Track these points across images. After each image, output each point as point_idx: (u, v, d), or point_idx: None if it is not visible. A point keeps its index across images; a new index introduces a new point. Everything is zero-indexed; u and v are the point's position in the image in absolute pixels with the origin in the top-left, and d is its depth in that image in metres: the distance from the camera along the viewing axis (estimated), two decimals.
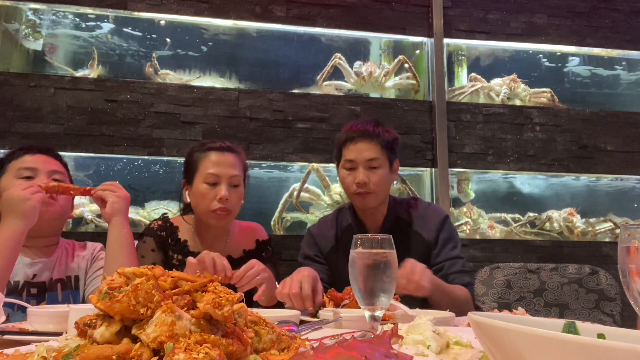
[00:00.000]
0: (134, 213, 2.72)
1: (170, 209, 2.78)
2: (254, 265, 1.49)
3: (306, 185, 2.92)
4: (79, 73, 2.80)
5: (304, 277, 1.39)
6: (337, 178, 1.87)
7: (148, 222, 2.69)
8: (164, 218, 1.83)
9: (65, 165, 1.67)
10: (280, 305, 1.62)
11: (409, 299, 1.50)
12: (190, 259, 1.45)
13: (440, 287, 1.57)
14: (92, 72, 2.81)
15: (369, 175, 1.72)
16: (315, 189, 2.96)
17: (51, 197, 1.54)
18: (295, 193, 2.87)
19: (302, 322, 1.31)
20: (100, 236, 2.47)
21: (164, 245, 1.74)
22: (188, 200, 1.76)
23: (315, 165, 2.90)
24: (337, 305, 1.40)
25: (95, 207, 2.74)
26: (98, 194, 1.56)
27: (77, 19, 2.89)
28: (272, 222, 2.90)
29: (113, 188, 1.57)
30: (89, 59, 2.85)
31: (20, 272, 1.50)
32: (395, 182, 3.05)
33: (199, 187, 1.68)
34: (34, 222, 1.42)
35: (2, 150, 2.54)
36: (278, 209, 2.90)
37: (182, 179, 1.81)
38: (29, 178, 1.52)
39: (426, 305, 1.59)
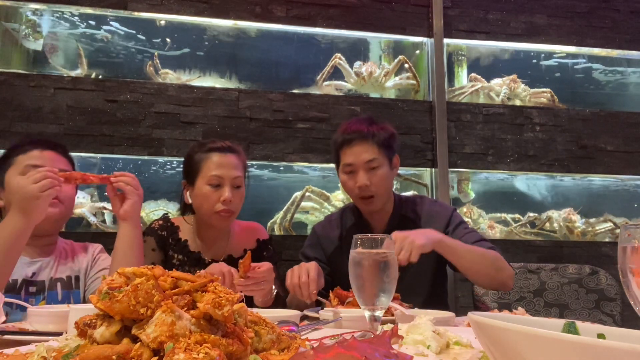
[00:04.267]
0: None
1: (169, 209, 2.77)
2: (263, 266, 1.47)
3: (307, 196, 2.91)
4: (73, 72, 2.80)
5: (310, 266, 1.49)
6: (339, 181, 1.86)
7: (147, 222, 2.69)
8: (164, 218, 1.83)
9: (72, 163, 1.65)
10: (280, 305, 1.62)
11: (413, 296, 1.50)
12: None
13: (453, 241, 1.56)
14: (82, 70, 2.80)
15: (370, 177, 1.70)
16: (315, 204, 2.95)
17: (56, 198, 1.51)
18: (288, 217, 2.85)
19: (305, 317, 1.31)
20: (100, 237, 2.47)
21: (164, 245, 1.75)
22: (189, 201, 1.75)
23: (310, 187, 2.90)
24: (342, 302, 1.42)
25: (95, 206, 2.73)
26: (119, 186, 1.47)
27: (77, 19, 2.89)
28: (271, 223, 2.90)
29: (135, 185, 1.49)
30: (88, 59, 2.85)
31: (19, 271, 1.49)
32: (399, 179, 3.06)
33: (202, 189, 1.68)
34: (40, 219, 1.38)
35: (2, 150, 2.54)
36: (281, 212, 2.90)
37: (183, 180, 1.80)
38: None
39: (430, 302, 1.58)
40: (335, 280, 1.79)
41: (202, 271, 1.51)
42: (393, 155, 1.78)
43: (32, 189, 1.32)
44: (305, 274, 1.45)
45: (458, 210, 3.09)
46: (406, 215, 1.85)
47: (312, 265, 1.49)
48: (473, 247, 1.62)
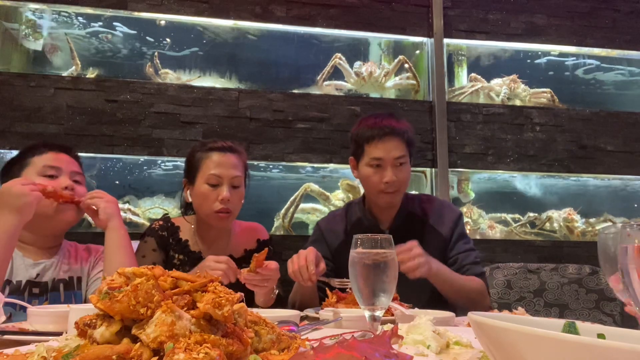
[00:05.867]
0: (131, 213, 2.71)
1: (165, 207, 2.77)
2: (271, 264, 1.49)
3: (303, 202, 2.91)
4: (69, 70, 2.79)
5: (307, 251, 1.50)
6: (355, 176, 1.85)
7: (145, 222, 2.69)
8: (165, 218, 1.83)
9: (81, 165, 1.68)
10: (280, 305, 1.62)
11: (413, 296, 1.51)
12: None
13: (444, 273, 1.60)
14: (75, 67, 2.79)
15: (396, 173, 1.72)
16: (315, 205, 2.95)
17: (72, 201, 1.55)
18: (289, 216, 2.85)
19: (305, 317, 1.31)
20: (100, 237, 2.46)
21: (165, 245, 1.75)
22: (189, 199, 1.76)
23: (309, 185, 2.89)
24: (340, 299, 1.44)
25: None
26: (87, 203, 1.55)
27: (77, 19, 2.89)
28: (271, 223, 2.90)
29: (100, 195, 1.56)
30: (88, 58, 2.86)
31: (22, 272, 1.51)
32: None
33: (201, 188, 1.68)
34: (29, 218, 1.41)
35: (2, 151, 2.54)
36: (281, 211, 2.90)
37: (183, 178, 1.81)
38: (52, 177, 1.53)
39: (432, 304, 1.59)
40: (340, 275, 1.79)
41: (197, 267, 1.52)
42: (413, 153, 1.82)
43: (22, 188, 1.38)
44: (303, 259, 1.47)
45: None
46: (413, 212, 1.85)
47: (310, 250, 1.51)
48: (460, 281, 1.67)
